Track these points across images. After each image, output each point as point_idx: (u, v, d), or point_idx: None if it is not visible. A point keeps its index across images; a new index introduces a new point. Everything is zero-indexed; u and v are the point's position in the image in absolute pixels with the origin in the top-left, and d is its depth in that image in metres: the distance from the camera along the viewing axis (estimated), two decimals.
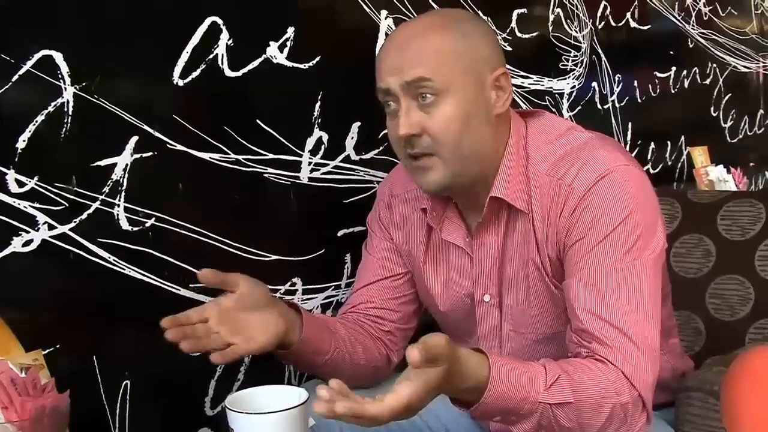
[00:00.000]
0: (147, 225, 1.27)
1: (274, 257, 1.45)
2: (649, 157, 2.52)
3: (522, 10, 1.98)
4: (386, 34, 1.61)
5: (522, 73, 1.98)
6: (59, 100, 1.16)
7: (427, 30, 1.13)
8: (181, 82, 1.30)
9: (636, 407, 1.05)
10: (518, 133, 1.20)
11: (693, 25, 2.71)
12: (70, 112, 1.17)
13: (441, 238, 1.27)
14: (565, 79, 2.14)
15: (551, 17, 2.09)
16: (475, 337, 1.29)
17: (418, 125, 1.12)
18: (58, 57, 1.15)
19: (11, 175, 1.12)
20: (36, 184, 1.14)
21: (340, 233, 1.56)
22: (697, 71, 2.75)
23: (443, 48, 1.12)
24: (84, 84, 1.18)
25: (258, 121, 1.41)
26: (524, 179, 1.17)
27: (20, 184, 1.13)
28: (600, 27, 2.28)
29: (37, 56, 1.13)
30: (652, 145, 2.53)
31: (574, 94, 2.17)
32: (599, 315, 1.07)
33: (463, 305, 1.27)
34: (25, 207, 1.13)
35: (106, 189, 1.22)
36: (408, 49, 1.12)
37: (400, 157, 1.20)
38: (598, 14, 2.27)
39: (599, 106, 2.29)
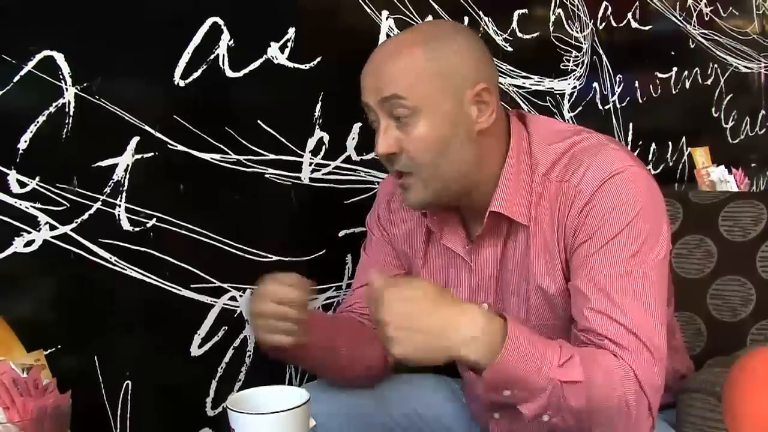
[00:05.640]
0: (148, 225, 1.27)
1: (275, 258, 1.45)
2: (650, 158, 2.52)
3: (523, 11, 1.98)
4: (387, 35, 1.61)
5: (523, 74, 1.98)
6: (60, 101, 1.16)
7: (401, 48, 1.13)
8: (182, 83, 1.30)
9: (643, 408, 1.05)
10: (519, 141, 1.18)
11: (694, 26, 2.71)
12: (72, 113, 1.17)
13: (441, 243, 1.26)
14: (566, 79, 2.14)
15: (552, 18, 2.09)
16: None
17: (396, 143, 1.13)
18: (60, 58, 1.15)
19: (13, 176, 1.12)
20: (37, 185, 1.14)
21: (341, 234, 1.57)
22: (699, 72, 2.74)
23: (416, 66, 1.11)
24: (85, 84, 1.18)
25: (259, 121, 1.41)
26: (527, 190, 1.16)
27: (22, 184, 1.13)
28: (601, 27, 2.28)
29: (38, 57, 1.13)
30: (653, 145, 2.53)
31: (575, 94, 2.17)
32: (610, 316, 1.06)
33: None
34: (26, 207, 1.13)
35: (108, 189, 1.22)
36: (384, 66, 1.13)
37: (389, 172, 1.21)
38: (599, 15, 2.27)
39: (600, 107, 2.29)
